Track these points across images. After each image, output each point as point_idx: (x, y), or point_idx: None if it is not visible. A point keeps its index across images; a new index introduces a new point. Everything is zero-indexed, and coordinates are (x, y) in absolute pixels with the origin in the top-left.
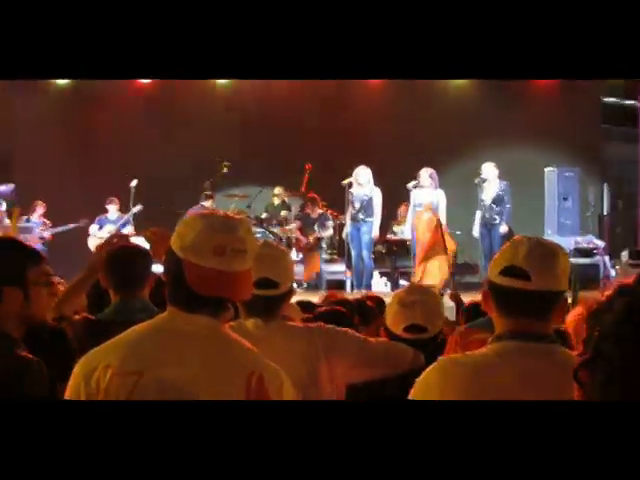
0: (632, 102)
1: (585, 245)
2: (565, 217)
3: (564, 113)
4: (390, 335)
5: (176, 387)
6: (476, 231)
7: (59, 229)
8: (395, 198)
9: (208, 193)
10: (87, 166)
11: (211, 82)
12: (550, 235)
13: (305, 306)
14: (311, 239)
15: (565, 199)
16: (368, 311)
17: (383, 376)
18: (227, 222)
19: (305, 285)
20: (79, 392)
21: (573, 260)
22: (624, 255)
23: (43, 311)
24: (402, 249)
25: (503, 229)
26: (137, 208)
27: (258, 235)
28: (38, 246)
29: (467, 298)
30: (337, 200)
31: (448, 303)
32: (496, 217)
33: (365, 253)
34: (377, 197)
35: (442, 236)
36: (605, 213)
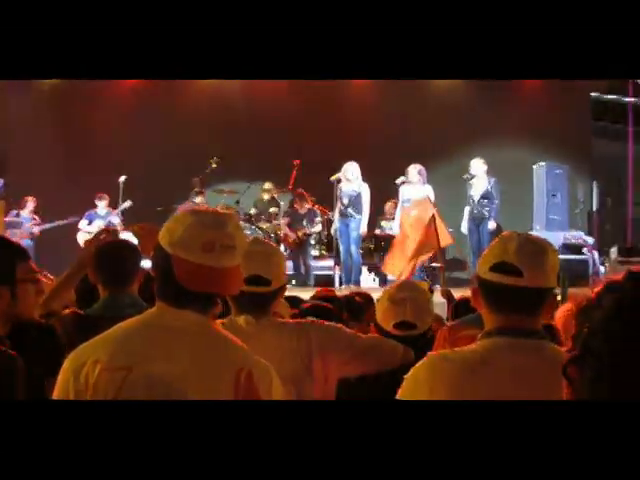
0: (622, 99)
1: (574, 241)
2: (553, 213)
3: (553, 110)
4: (380, 331)
5: (165, 382)
6: (464, 227)
7: (48, 226)
8: (384, 194)
9: (198, 189)
10: (77, 163)
11: None
12: (538, 231)
13: (291, 302)
14: (299, 235)
15: (554, 195)
16: (357, 307)
17: (374, 372)
18: (216, 218)
19: (293, 282)
20: (68, 387)
21: (562, 256)
22: (613, 252)
23: (30, 308)
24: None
25: (491, 225)
26: (126, 204)
27: (247, 232)
28: (26, 242)
29: (457, 294)
30: (326, 196)
31: (439, 299)
32: (484, 213)
33: (353, 249)
34: (365, 193)
35: (435, 231)
36: (594, 210)
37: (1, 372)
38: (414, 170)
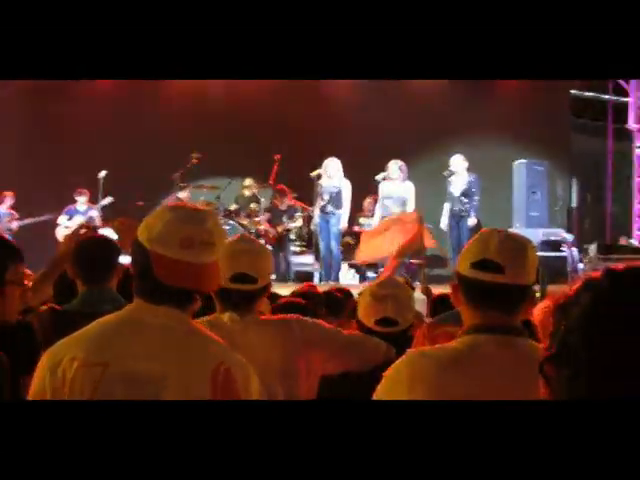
0: (601, 96)
1: (553, 238)
2: (533, 210)
3: (533, 107)
4: (361, 327)
5: (142, 379)
6: (444, 224)
7: (27, 221)
8: (365, 190)
9: (183, 184)
10: (56, 159)
11: None
12: (518, 228)
13: (270, 298)
14: (279, 230)
15: (534, 192)
16: (337, 302)
17: (357, 369)
18: (195, 214)
19: (274, 277)
20: (45, 384)
21: (541, 253)
22: (592, 248)
23: (13, 312)
24: None
25: (472, 221)
26: (107, 200)
27: (227, 227)
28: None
29: (437, 291)
30: (307, 192)
31: (419, 296)
32: (464, 210)
33: (334, 244)
34: (346, 189)
35: (421, 234)
36: (574, 206)
37: None
38: (395, 166)
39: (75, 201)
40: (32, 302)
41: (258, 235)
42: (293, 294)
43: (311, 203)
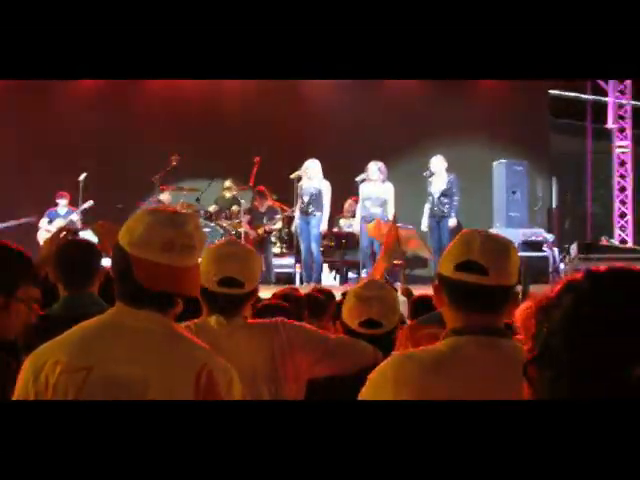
0: (581, 96)
1: (534, 238)
2: (514, 210)
3: (512, 107)
4: (345, 329)
5: (125, 383)
6: (424, 224)
7: (7, 224)
8: (345, 192)
9: (163, 187)
10: (34, 162)
11: None
12: (498, 228)
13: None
14: (260, 232)
15: (514, 192)
16: (319, 304)
17: (343, 372)
18: (176, 218)
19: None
20: (28, 388)
21: (522, 253)
22: (573, 248)
23: (15, 329)
24: (351, 242)
25: (452, 222)
26: (88, 204)
27: (207, 230)
28: None
29: (418, 292)
30: (288, 193)
31: (399, 297)
32: (445, 210)
33: (314, 246)
34: (326, 190)
35: (395, 236)
36: (554, 206)
37: None
38: (375, 167)
39: (56, 204)
40: None
41: (238, 237)
42: (274, 296)
43: (291, 205)
